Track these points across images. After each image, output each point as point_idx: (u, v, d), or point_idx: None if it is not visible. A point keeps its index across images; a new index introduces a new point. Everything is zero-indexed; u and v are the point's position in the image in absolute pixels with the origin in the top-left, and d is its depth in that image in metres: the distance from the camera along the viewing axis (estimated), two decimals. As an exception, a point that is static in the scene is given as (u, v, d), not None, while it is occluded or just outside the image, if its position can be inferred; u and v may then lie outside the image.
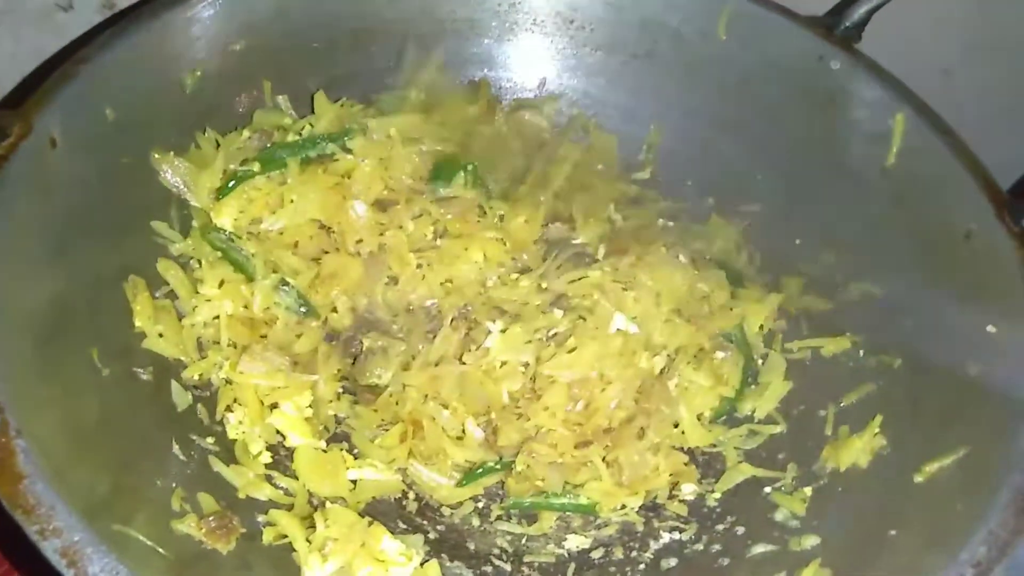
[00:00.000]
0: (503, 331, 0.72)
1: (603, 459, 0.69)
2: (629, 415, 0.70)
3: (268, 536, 0.62)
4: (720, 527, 0.69)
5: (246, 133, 0.78)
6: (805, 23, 0.80)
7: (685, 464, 0.71)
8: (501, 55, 0.90)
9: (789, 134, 0.81)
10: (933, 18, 0.98)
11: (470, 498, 0.71)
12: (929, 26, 0.98)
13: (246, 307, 0.72)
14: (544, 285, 0.77)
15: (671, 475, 0.71)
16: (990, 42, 1.00)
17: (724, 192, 0.86)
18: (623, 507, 0.70)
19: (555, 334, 0.72)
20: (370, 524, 0.61)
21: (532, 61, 0.90)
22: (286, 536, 0.62)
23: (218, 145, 0.76)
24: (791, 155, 0.81)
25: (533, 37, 0.89)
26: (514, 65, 0.90)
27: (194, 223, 0.75)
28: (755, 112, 0.83)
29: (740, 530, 0.68)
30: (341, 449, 0.69)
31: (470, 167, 0.81)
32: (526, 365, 0.71)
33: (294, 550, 0.61)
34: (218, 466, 0.64)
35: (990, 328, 0.63)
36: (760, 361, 0.78)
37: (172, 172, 0.73)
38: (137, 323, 0.67)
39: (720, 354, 0.75)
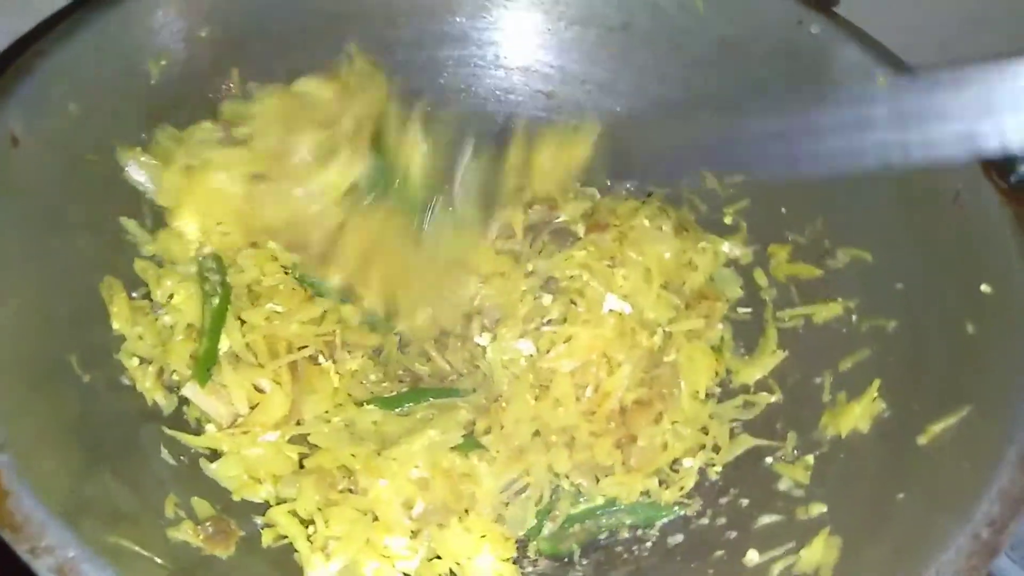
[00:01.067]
0: (493, 340, 0.71)
1: (617, 446, 0.68)
2: (639, 398, 0.69)
3: (267, 538, 0.60)
4: (724, 500, 0.68)
5: (208, 124, 0.75)
6: (783, -13, 0.79)
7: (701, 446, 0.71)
8: (474, 32, 0.87)
9: (772, 102, 0.80)
10: None
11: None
12: (926, 2, 0.98)
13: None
14: (531, 268, 0.76)
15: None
16: (987, 14, 1.00)
17: (707, 162, 0.85)
18: (646, 492, 0.69)
19: (550, 320, 0.71)
20: (374, 520, 0.60)
21: (506, 37, 0.88)
22: (286, 537, 0.60)
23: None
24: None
25: (507, 13, 0.87)
26: (487, 42, 0.88)
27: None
28: (736, 81, 0.82)
29: (744, 502, 0.67)
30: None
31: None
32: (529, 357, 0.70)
33: (296, 551, 0.59)
34: (210, 469, 0.62)
35: (984, 287, 0.63)
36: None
37: (137, 168, 0.70)
38: (115, 325, 0.64)
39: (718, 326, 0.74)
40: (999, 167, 0.66)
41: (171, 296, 0.67)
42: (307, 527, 0.60)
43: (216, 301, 0.66)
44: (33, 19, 0.79)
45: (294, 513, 0.60)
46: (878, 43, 0.76)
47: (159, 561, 0.51)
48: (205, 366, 0.63)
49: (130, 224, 0.69)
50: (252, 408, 0.64)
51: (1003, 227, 0.64)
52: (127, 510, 0.53)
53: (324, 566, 0.58)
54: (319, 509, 0.60)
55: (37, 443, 0.50)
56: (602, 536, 0.68)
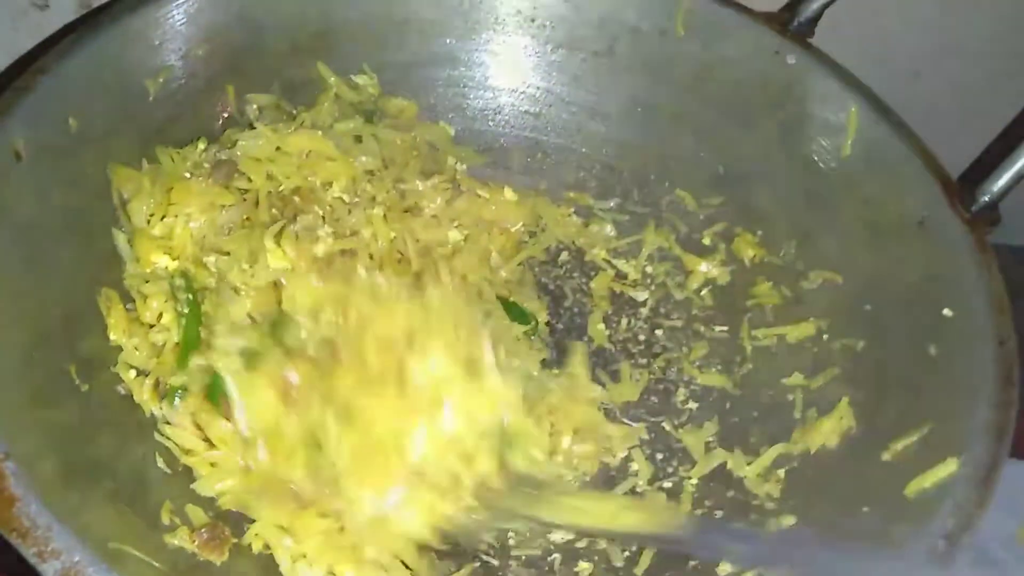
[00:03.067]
0: None
1: None
2: None
3: (256, 545, 0.62)
4: (699, 512, 0.71)
5: (202, 144, 0.77)
6: (760, 19, 0.83)
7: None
8: (463, 54, 0.90)
9: (749, 128, 0.84)
10: (903, 21, 1.02)
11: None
12: (899, 29, 1.02)
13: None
14: None
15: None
16: (959, 45, 1.04)
17: (687, 185, 0.88)
18: None
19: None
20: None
21: (495, 59, 0.91)
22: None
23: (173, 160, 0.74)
24: (751, 148, 0.84)
25: (495, 35, 0.90)
26: (476, 63, 0.91)
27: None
28: (715, 107, 0.85)
29: (719, 514, 0.70)
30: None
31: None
32: None
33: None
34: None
35: (946, 311, 0.66)
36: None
37: (124, 189, 0.71)
38: (112, 336, 0.66)
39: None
40: (962, 196, 0.70)
41: (160, 316, 0.68)
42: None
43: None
44: (34, 38, 0.81)
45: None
46: (852, 75, 0.79)
47: (157, 565, 0.52)
48: (173, 393, 0.64)
49: (120, 238, 0.70)
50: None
51: (964, 254, 0.67)
52: (127, 516, 0.55)
53: (308, 571, 0.60)
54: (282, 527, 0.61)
55: (40, 451, 0.52)
56: (581, 546, 0.70)
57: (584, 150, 0.92)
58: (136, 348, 0.66)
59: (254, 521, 0.63)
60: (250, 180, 0.75)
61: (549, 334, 0.82)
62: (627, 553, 0.69)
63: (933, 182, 0.71)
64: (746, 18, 0.83)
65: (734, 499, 0.71)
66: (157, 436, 0.64)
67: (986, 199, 0.69)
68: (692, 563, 0.66)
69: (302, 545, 0.61)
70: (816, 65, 0.80)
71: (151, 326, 0.68)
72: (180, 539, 0.57)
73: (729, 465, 0.73)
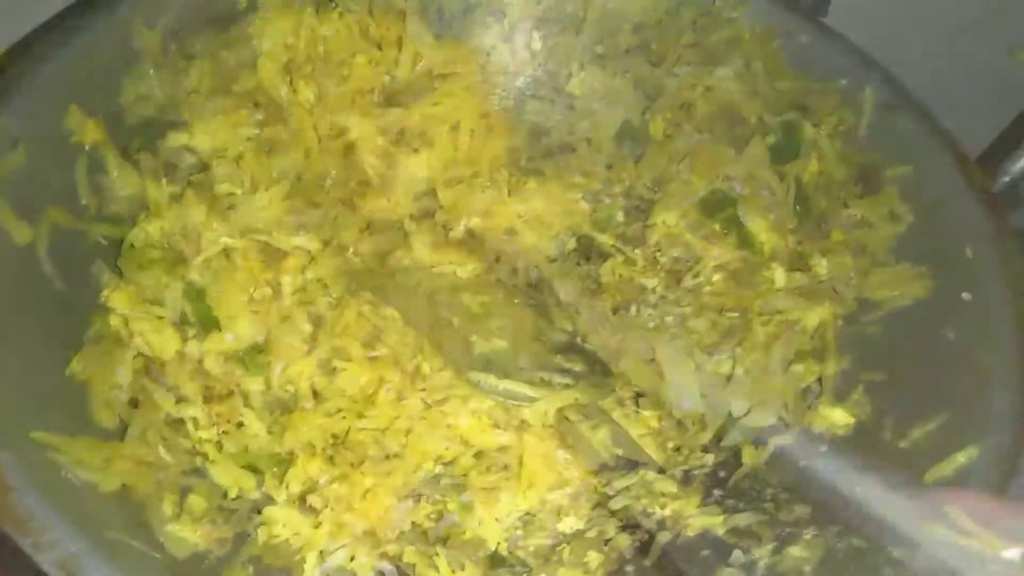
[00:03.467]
0: None
1: None
2: None
3: (262, 536, 0.61)
4: (710, 500, 0.70)
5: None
6: (771, -2, 0.81)
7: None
8: (467, 38, 0.88)
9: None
10: (916, 4, 0.99)
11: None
12: (912, 13, 1.00)
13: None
14: None
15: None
16: (972, 22, 1.02)
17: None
18: None
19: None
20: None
21: (499, 44, 0.89)
22: (278, 535, 0.61)
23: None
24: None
25: (499, 19, 0.88)
26: (481, 48, 0.89)
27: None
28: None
29: (731, 502, 0.69)
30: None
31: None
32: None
33: (290, 545, 0.60)
34: (206, 466, 0.63)
35: (965, 295, 0.64)
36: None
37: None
38: (112, 323, 0.65)
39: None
40: (982, 177, 0.68)
41: None
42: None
43: None
44: (28, 24, 0.80)
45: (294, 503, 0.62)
46: (865, 53, 0.78)
47: (156, 556, 0.52)
48: None
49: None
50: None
51: (984, 236, 0.65)
52: (126, 506, 0.54)
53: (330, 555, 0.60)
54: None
55: (38, 441, 0.51)
56: (592, 535, 0.69)
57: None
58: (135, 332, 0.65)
59: (259, 511, 0.62)
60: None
61: (557, 322, 0.81)
62: (637, 544, 0.68)
63: (951, 162, 0.70)
64: (757, -2, 0.81)
65: (747, 488, 0.69)
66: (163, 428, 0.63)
67: (1007, 179, 0.67)
68: (703, 553, 0.65)
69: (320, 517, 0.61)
70: (830, 44, 0.78)
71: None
72: (181, 529, 0.56)
73: (741, 453, 0.71)
